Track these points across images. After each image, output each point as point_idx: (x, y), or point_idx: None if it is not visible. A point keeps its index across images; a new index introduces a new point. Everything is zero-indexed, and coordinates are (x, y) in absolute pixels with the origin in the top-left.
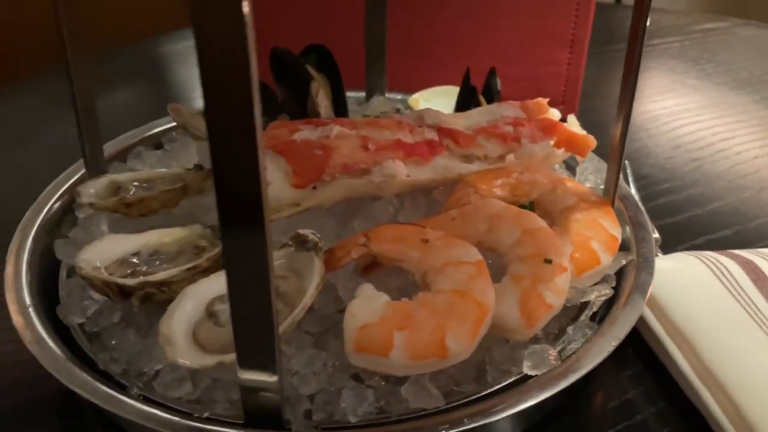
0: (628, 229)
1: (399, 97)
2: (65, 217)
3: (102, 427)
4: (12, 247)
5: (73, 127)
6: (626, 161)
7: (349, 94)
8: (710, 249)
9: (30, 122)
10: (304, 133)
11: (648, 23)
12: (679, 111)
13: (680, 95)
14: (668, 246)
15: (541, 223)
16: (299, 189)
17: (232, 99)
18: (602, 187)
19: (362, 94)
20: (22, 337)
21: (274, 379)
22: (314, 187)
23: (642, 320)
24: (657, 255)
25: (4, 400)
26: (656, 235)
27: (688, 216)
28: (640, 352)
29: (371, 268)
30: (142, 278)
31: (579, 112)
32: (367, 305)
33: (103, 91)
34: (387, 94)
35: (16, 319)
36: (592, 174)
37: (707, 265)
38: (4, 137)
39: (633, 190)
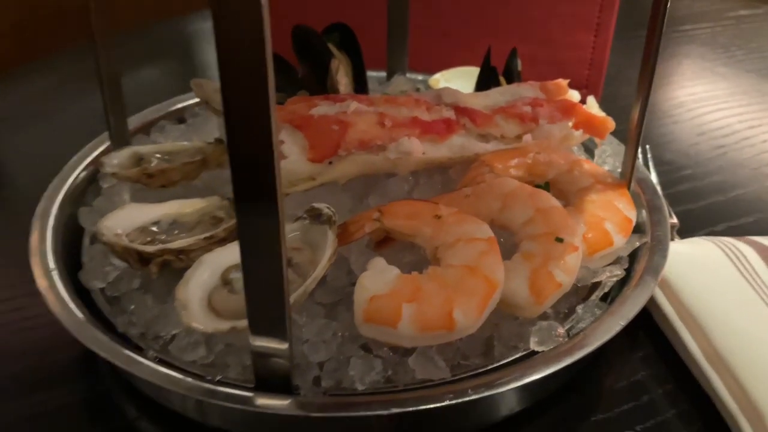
0: (644, 212)
1: (420, 77)
2: (90, 186)
3: (119, 389)
4: (37, 214)
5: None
6: (647, 146)
7: (371, 73)
8: (730, 236)
9: (60, 95)
10: (322, 108)
11: (678, 9)
12: (707, 98)
13: (709, 82)
14: (687, 231)
15: (555, 202)
16: (315, 163)
17: (247, 73)
18: (620, 170)
19: (383, 73)
20: (44, 299)
21: (284, 346)
22: (330, 162)
23: (654, 303)
24: (674, 239)
25: (26, 361)
26: (674, 220)
27: (709, 202)
28: (651, 335)
29: (384, 242)
30: (161, 246)
31: (602, 97)
32: (378, 278)
33: (130, 69)
34: (408, 74)
35: (40, 282)
36: (610, 157)
37: (723, 251)
38: (33, 110)
39: (653, 175)
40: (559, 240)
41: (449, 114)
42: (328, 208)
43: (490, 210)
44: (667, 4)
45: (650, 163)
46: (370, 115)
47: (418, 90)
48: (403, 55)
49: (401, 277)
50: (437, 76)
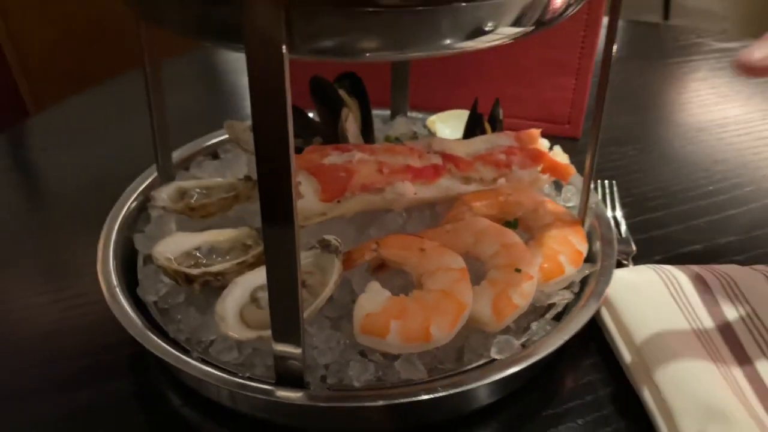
0: (598, 243)
1: (420, 116)
2: (140, 214)
3: (165, 382)
4: (101, 239)
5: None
6: (614, 182)
7: (377, 112)
8: (679, 262)
9: (104, 125)
10: (332, 157)
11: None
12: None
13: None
14: (645, 257)
15: (517, 239)
16: (326, 203)
17: (274, 138)
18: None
19: (388, 112)
20: (112, 309)
21: (298, 350)
22: (338, 201)
23: (601, 320)
24: (629, 265)
25: (90, 359)
26: (633, 248)
27: (668, 231)
28: (600, 346)
29: (380, 268)
30: (203, 269)
31: (583, 131)
32: (373, 298)
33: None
34: (409, 113)
35: (107, 296)
36: (575, 195)
37: (660, 277)
38: (82, 137)
39: (617, 208)
40: (518, 270)
41: (437, 160)
42: (335, 239)
43: (465, 244)
44: (610, 62)
45: (616, 198)
46: (371, 163)
47: (414, 133)
48: (405, 99)
49: (391, 299)
50: (433, 117)
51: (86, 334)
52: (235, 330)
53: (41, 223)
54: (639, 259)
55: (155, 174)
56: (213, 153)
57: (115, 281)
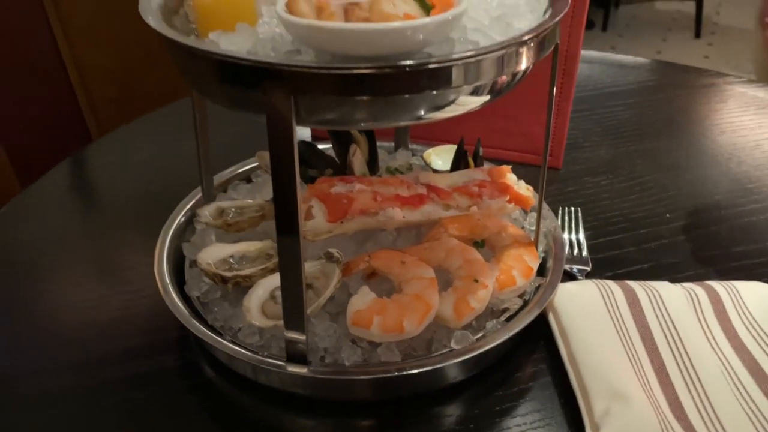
0: (551, 261)
1: (419, 148)
2: (188, 226)
3: (201, 358)
4: (157, 246)
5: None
6: (579, 209)
7: (383, 143)
8: (629, 278)
9: (155, 148)
10: (337, 187)
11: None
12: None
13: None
14: (597, 273)
15: (477, 256)
16: (332, 223)
17: (284, 175)
18: (544, 229)
19: (392, 144)
20: (165, 301)
21: (303, 337)
22: (341, 222)
23: (549, 322)
24: (581, 278)
25: (146, 339)
26: (586, 267)
27: (622, 252)
28: (547, 343)
29: (371, 276)
30: (235, 272)
31: (564, 162)
32: (362, 299)
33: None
34: (410, 145)
35: (161, 291)
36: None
37: (599, 289)
38: (138, 158)
39: (581, 231)
40: (476, 281)
41: (422, 190)
42: (337, 252)
43: (437, 258)
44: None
45: (580, 222)
46: (368, 193)
47: (410, 165)
48: (406, 133)
49: (375, 300)
50: (429, 151)
51: (142, 319)
52: (257, 319)
53: (102, 232)
54: (592, 275)
55: (200, 194)
56: (247, 178)
57: (167, 279)
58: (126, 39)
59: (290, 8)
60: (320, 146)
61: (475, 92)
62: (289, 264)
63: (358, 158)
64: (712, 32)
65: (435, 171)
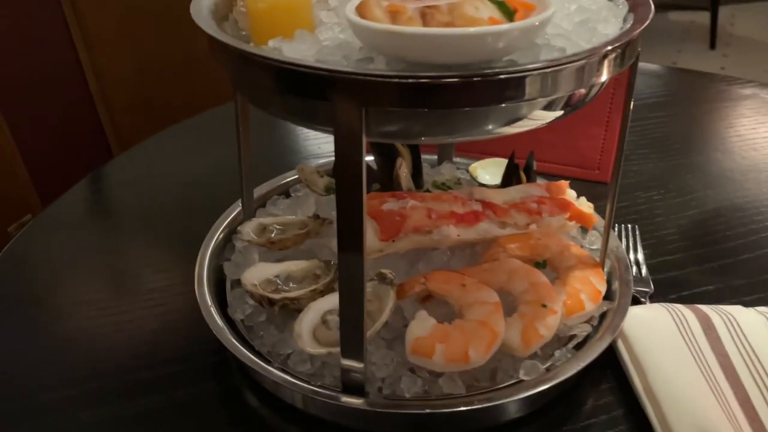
0: (617, 283)
1: (464, 161)
2: (226, 244)
3: (249, 387)
4: (196, 266)
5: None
6: (636, 226)
7: (426, 157)
8: (693, 300)
9: (180, 161)
10: (390, 204)
11: None
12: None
13: None
14: (661, 295)
15: (543, 278)
16: (383, 242)
17: (351, 191)
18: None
19: (435, 157)
20: (209, 325)
21: (361, 365)
22: (393, 241)
23: (618, 350)
24: (645, 302)
25: (189, 363)
26: (651, 287)
27: (684, 272)
28: (616, 372)
29: (427, 299)
30: (283, 294)
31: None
32: (421, 325)
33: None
34: (454, 159)
35: (205, 314)
36: (598, 239)
37: (671, 314)
38: (162, 171)
39: (639, 250)
40: (544, 306)
41: (478, 207)
42: (390, 273)
43: (499, 281)
44: (628, 119)
45: (638, 241)
46: (422, 209)
47: (458, 180)
48: (451, 145)
49: (436, 326)
50: (475, 164)
51: (179, 343)
52: (309, 345)
53: (127, 251)
54: (655, 298)
55: (238, 209)
56: (285, 192)
57: (209, 300)
58: (147, 49)
59: (362, 13)
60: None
61: (550, 106)
62: (350, 287)
63: (404, 172)
64: (727, 43)
65: (483, 185)
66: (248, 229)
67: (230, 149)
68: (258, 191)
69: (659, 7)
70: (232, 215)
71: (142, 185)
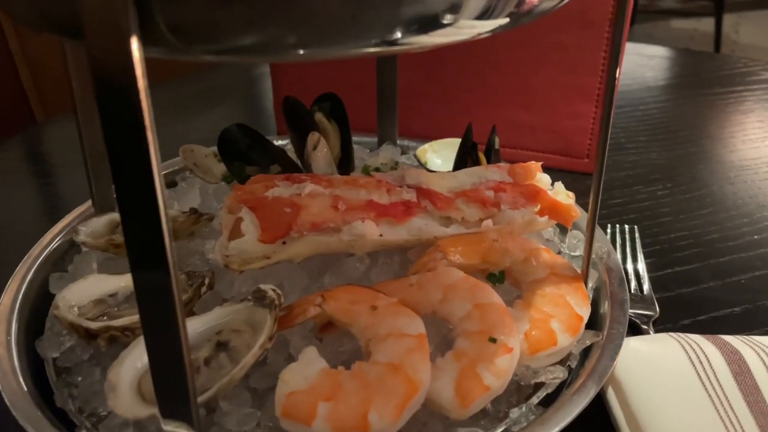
0: (607, 304)
1: (412, 144)
2: (70, 249)
3: None
4: (11, 279)
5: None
6: (635, 227)
7: (364, 138)
8: (714, 327)
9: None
10: (278, 189)
11: None
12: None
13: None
14: (670, 321)
15: (494, 298)
16: (268, 244)
17: (131, 162)
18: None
19: (375, 139)
20: None
21: None
22: (284, 242)
23: (608, 405)
24: (648, 331)
25: None
26: (650, 312)
27: (701, 289)
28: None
29: (327, 328)
30: (105, 322)
31: (607, 166)
32: (301, 371)
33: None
34: (399, 141)
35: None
36: (581, 243)
37: (685, 349)
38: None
39: (639, 259)
40: (493, 340)
41: (410, 196)
42: (273, 290)
43: (431, 301)
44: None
45: (637, 246)
46: (325, 197)
47: (397, 163)
48: (393, 124)
49: (323, 372)
50: (425, 146)
51: None
52: (124, 406)
53: None
54: (662, 324)
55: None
56: (172, 182)
57: (14, 328)
58: None
59: None
60: (278, 142)
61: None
62: (156, 319)
63: (321, 152)
64: (731, 50)
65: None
66: (90, 228)
67: None
68: None
69: (663, 14)
70: (80, 209)
71: None
